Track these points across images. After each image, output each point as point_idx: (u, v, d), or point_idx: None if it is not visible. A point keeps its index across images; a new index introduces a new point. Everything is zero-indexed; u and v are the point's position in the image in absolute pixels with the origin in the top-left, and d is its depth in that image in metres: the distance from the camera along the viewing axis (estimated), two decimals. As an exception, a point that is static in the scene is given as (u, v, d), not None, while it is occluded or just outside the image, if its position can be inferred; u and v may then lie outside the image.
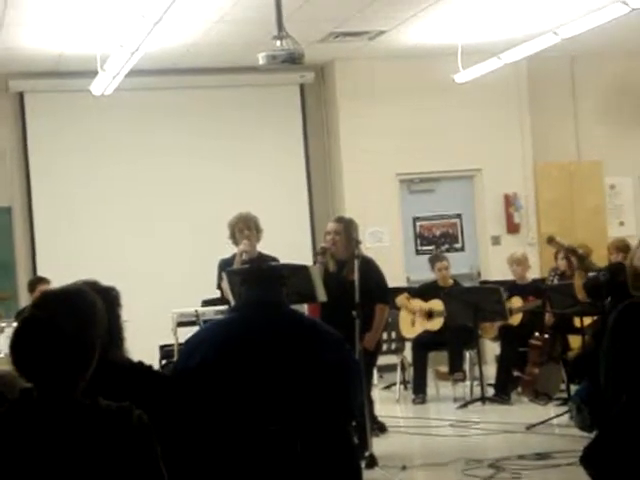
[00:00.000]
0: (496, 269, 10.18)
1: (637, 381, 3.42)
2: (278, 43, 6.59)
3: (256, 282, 3.90)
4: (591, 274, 7.11)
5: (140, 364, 3.23)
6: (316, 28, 8.80)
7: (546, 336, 8.35)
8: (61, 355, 2.11)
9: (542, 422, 7.34)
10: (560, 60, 10.81)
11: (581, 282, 7.30)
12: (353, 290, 6.22)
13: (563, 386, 8.14)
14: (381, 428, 7.35)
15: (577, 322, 7.84)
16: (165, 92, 10.26)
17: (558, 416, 7.45)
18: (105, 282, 3.27)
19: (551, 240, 7.90)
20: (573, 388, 7.63)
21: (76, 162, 10.16)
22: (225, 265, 6.81)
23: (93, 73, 8.26)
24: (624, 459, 3.18)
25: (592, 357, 4.14)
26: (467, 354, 8.89)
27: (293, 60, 6.57)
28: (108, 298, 3.02)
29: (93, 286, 2.95)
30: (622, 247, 7.72)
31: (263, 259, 6.85)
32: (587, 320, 7.67)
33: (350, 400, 3.83)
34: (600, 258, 8.06)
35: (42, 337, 2.11)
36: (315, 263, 6.77)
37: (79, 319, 2.16)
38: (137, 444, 2.11)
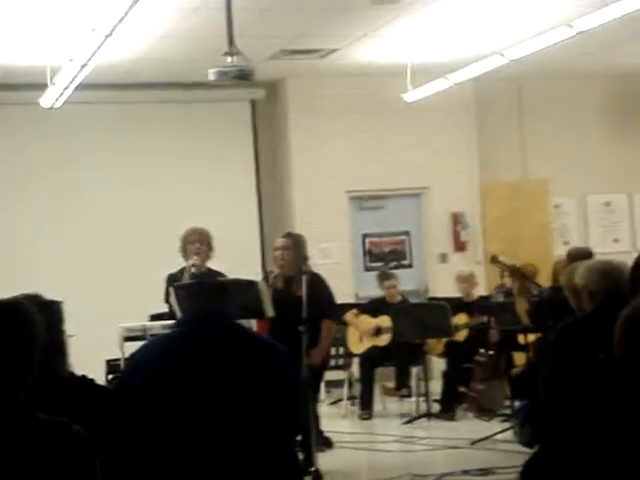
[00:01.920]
0: (443, 286, 10.27)
1: (575, 398, 3.49)
2: (229, 59, 6.62)
3: (203, 297, 3.91)
4: (534, 299, 7.21)
5: (83, 378, 3.22)
6: (267, 45, 8.84)
7: (491, 353, 8.44)
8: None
9: (486, 438, 7.42)
10: (507, 81, 10.97)
11: (523, 308, 7.42)
12: (301, 305, 6.25)
13: (507, 402, 8.23)
14: (327, 443, 7.38)
15: (521, 339, 7.94)
16: (114, 106, 10.22)
17: (502, 432, 7.54)
18: (50, 296, 3.26)
19: (494, 259, 8.02)
20: (517, 404, 7.72)
21: (22, 174, 10.07)
22: (173, 280, 6.80)
23: (43, 86, 8.22)
24: (562, 475, 3.24)
25: (535, 374, 4.21)
26: (413, 370, 8.96)
27: (244, 77, 6.60)
28: (49, 312, 3.01)
29: (34, 300, 2.93)
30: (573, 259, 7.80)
31: (211, 274, 6.86)
32: (531, 337, 7.77)
33: (295, 415, 3.85)
34: (544, 277, 8.18)
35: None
36: (265, 280, 6.79)
37: (16, 333, 2.16)
38: (76, 458, 2.11)
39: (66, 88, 7.99)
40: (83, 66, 7.14)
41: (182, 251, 7.12)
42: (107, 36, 6.30)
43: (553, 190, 11.33)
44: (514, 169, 11.39)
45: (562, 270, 7.27)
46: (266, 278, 6.86)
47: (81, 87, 8.14)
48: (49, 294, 3.25)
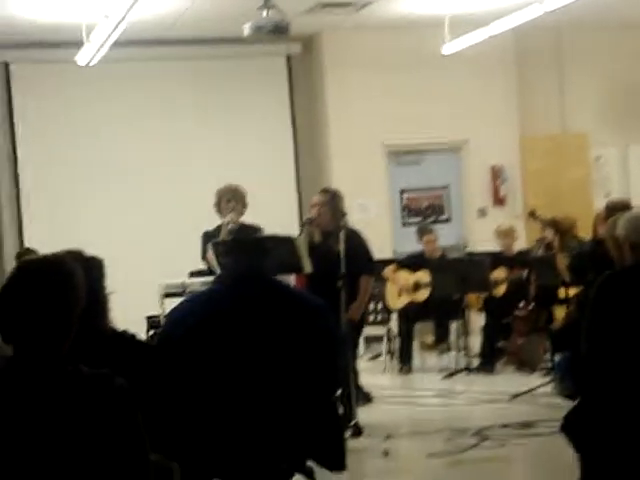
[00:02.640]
0: (483, 241, 10.21)
1: (617, 351, 3.46)
2: (264, 14, 6.59)
3: (241, 253, 3.93)
4: (574, 252, 7.15)
5: (124, 333, 3.26)
6: (303, -1, 8.77)
7: (530, 307, 8.40)
8: (41, 321, 2.13)
9: (526, 392, 7.40)
10: (546, 32, 10.80)
11: (564, 264, 7.35)
12: (339, 261, 6.24)
13: (547, 356, 8.21)
14: (367, 398, 7.40)
15: (561, 293, 7.89)
16: (150, 63, 10.21)
17: (542, 386, 7.51)
18: (90, 252, 3.28)
19: (532, 214, 7.95)
20: (557, 358, 7.69)
21: (62, 132, 10.12)
22: (209, 237, 6.82)
23: (79, 44, 8.22)
24: (602, 427, 3.23)
25: (575, 328, 4.18)
26: (453, 325, 8.95)
27: (279, 31, 6.57)
28: (91, 267, 3.04)
29: (76, 255, 2.97)
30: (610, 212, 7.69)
31: (247, 229, 6.88)
32: (571, 291, 7.72)
33: (335, 369, 3.87)
34: (586, 230, 8.09)
35: (22, 303, 2.14)
36: (301, 234, 6.79)
37: (57, 286, 2.19)
38: (118, 410, 2.13)
39: (102, 45, 7.98)
40: (119, 23, 7.13)
41: (217, 207, 7.13)
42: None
43: (594, 142, 11.18)
44: (554, 121, 11.24)
45: (602, 223, 7.20)
46: (308, 223, 6.82)
47: (117, 44, 8.13)
48: (91, 251, 3.27)
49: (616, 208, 6.36)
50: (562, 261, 7.46)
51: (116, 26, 7.24)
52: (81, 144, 10.14)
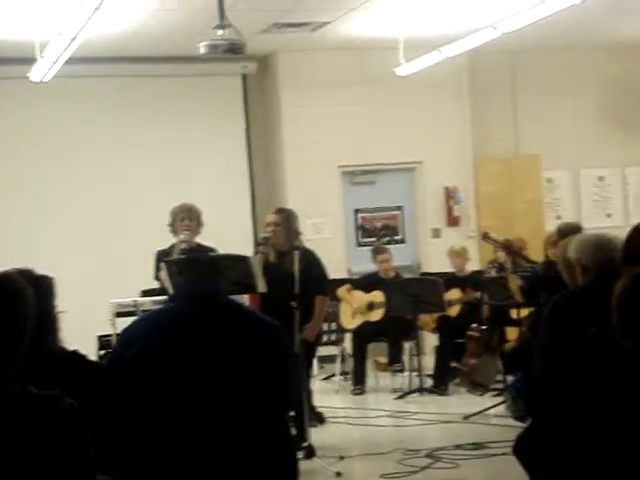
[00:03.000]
0: (436, 261, 10.26)
1: (569, 372, 3.48)
2: (220, 32, 6.57)
3: (194, 272, 3.89)
4: (525, 274, 7.21)
5: (74, 353, 3.21)
6: (259, 18, 8.77)
7: (483, 327, 8.45)
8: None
9: (478, 412, 7.44)
10: (500, 55, 10.92)
11: (516, 285, 7.41)
12: (293, 281, 6.23)
13: (500, 377, 8.25)
14: (320, 418, 7.39)
15: (514, 314, 7.95)
16: (105, 80, 10.15)
17: (494, 406, 7.56)
18: (42, 271, 3.24)
19: (485, 236, 8.01)
20: (509, 379, 7.73)
21: (13, 149, 10.01)
22: (162, 255, 6.78)
23: (32, 60, 8.15)
24: (553, 448, 3.24)
25: (528, 348, 4.21)
26: (406, 345, 8.97)
27: (235, 50, 6.55)
28: (41, 287, 2.99)
29: (25, 274, 2.92)
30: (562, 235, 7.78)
31: (202, 250, 6.84)
32: (524, 312, 7.77)
33: (287, 389, 3.84)
34: (537, 251, 8.17)
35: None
36: (256, 253, 6.77)
37: (6, 305, 2.15)
38: (67, 432, 2.10)
39: (55, 62, 7.92)
40: (72, 40, 7.07)
41: (171, 227, 7.09)
42: (96, 9, 6.23)
43: (546, 164, 11.31)
44: (507, 143, 11.36)
45: (552, 245, 7.27)
46: (262, 243, 6.80)
47: (71, 61, 8.08)
48: (42, 269, 3.23)
49: (567, 231, 6.44)
50: (514, 282, 7.52)
51: (70, 43, 7.18)
52: (32, 160, 10.03)
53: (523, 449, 3.74)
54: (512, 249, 7.71)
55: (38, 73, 8.47)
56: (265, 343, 3.75)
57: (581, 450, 2.55)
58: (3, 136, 9.99)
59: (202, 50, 6.58)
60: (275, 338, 3.81)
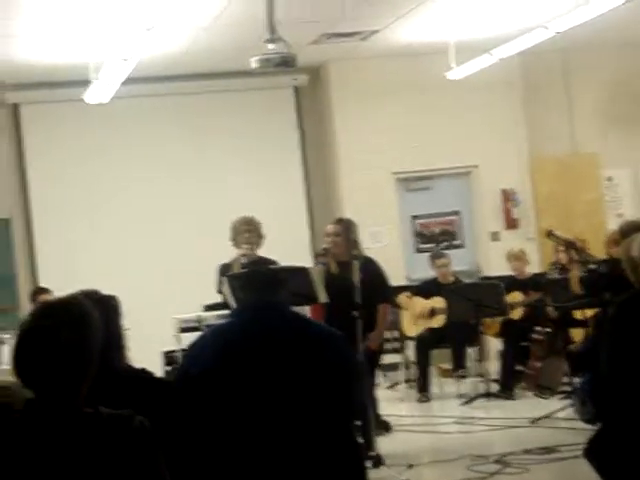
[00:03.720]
0: (496, 265, 10.19)
1: (636, 374, 3.43)
2: (270, 46, 6.61)
3: (255, 286, 3.91)
4: (590, 267, 7.13)
5: (142, 371, 3.24)
6: (308, 30, 8.81)
7: (547, 330, 8.36)
8: (60, 364, 2.13)
9: (546, 416, 7.36)
10: (553, 54, 10.82)
11: (577, 275, 7.33)
12: (355, 290, 6.23)
13: (566, 379, 8.15)
14: (386, 427, 7.37)
15: (578, 315, 7.85)
16: (160, 99, 10.27)
17: (562, 409, 7.47)
18: (106, 291, 3.28)
19: (550, 234, 7.92)
20: (576, 381, 7.64)
21: (73, 171, 10.18)
22: (225, 270, 6.84)
23: (87, 82, 8.28)
24: (627, 451, 3.20)
25: (594, 350, 4.15)
26: (470, 351, 8.91)
27: (286, 63, 6.59)
28: (107, 307, 3.04)
29: (92, 295, 2.96)
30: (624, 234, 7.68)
31: (262, 262, 6.88)
32: (588, 312, 7.68)
33: (352, 399, 3.84)
34: (598, 251, 8.06)
35: (42, 346, 2.14)
36: (316, 264, 6.78)
37: (76, 328, 2.18)
38: (139, 451, 2.12)
39: (112, 83, 8.03)
40: (126, 61, 7.17)
41: (233, 240, 7.15)
42: (149, 30, 6.31)
43: (604, 162, 11.16)
44: (563, 143, 11.24)
45: (614, 244, 7.18)
46: (321, 254, 6.81)
47: (127, 82, 8.20)
48: (105, 289, 3.27)
49: (630, 229, 6.34)
50: (575, 274, 7.42)
51: (124, 63, 7.28)
52: (93, 182, 10.20)
53: (595, 452, 3.69)
54: (576, 246, 7.62)
55: (94, 95, 8.60)
56: (328, 354, 3.75)
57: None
58: (63, 158, 10.16)
59: (254, 65, 6.62)
60: (338, 348, 3.82)
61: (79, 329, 2.18)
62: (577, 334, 8.28)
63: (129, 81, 8.32)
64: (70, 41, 8.26)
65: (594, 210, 11.04)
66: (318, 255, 6.93)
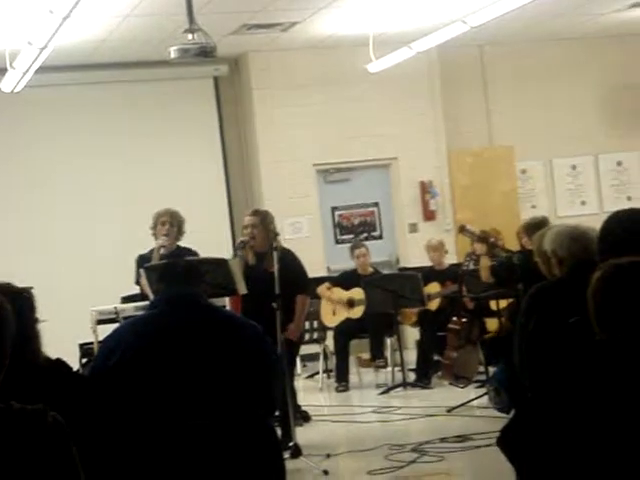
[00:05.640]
0: (414, 256, 10.32)
1: (548, 363, 3.52)
2: (190, 36, 6.57)
3: (173, 278, 3.91)
4: (500, 256, 7.27)
5: (58, 362, 3.21)
6: (228, 20, 8.78)
7: (464, 320, 8.50)
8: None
9: (462, 405, 7.48)
10: (470, 48, 10.98)
11: (487, 264, 7.46)
12: (273, 282, 6.25)
13: (481, 368, 8.30)
14: (305, 417, 7.41)
15: (493, 305, 8.00)
16: (77, 88, 10.12)
17: (477, 398, 7.60)
18: (21, 282, 3.24)
19: (462, 229, 8.06)
20: (491, 370, 7.79)
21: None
22: (143, 261, 6.79)
23: (2, 70, 8.11)
24: (538, 440, 3.27)
25: (508, 339, 4.24)
26: (388, 340, 9.01)
27: (205, 53, 6.56)
28: (20, 301, 2.99)
29: (4, 288, 2.92)
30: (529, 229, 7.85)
31: (182, 253, 6.85)
32: (503, 303, 7.83)
33: (270, 390, 3.86)
34: (513, 242, 8.22)
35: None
36: (235, 257, 6.78)
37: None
38: (52, 446, 2.10)
39: (26, 72, 7.89)
40: (42, 49, 7.05)
41: (153, 230, 7.11)
42: (65, 18, 6.21)
43: (519, 155, 11.38)
44: (480, 136, 11.42)
45: (524, 234, 7.34)
46: (241, 247, 6.80)
47: (42, 70, 8.06)
48: (18, 281, 3.23)
49: (533, 226, 6.52)
50: (485, 263, 7.55)
51: (40, 52, 7.16)
52: (7, 170, 9.99)
53: (507, 441, 3.76)
54: (488, 240, 7.76)
55: (9, 83, 8.43)
56: (245, 344, 3.77)
57: (564, 441, 2.58)
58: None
59: (173, 54, 6.58)
60: (255, 339, 3.83)
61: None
62: (492, 324, 8.43)
63: (45, 69, 8.18)
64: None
65: (509, 202, 11.25)
66: (237, 248, 6.93)
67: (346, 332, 8.95)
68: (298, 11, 8.84)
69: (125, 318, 6.25)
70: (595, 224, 3.85)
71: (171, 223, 7.02)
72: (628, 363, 2.38)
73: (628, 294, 2.42)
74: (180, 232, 7.08)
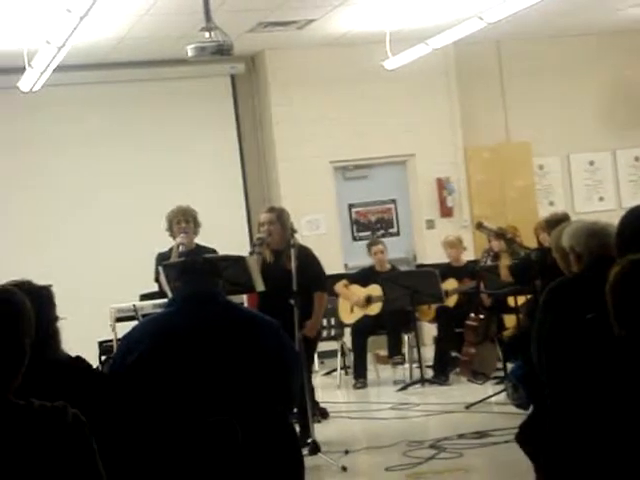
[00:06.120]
0: (431, 252, 10.31)
1: (566, 359, 3.51)
2: (207, 35, 6.60)
3: (192, 275, 3.93)
4: (519, 255, 7.26)
5: (78, 359, 3.23)
6: (245, 18, 8.80)
7: (481, 316, 8.49)
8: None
9: (480, 401, 7.47)
10: (487, 44, 10.96)
11: (507, 263, 7.45)
12: (291, 279, 6.26)
13: (499, 365, 8.29)
14: (323, 414, 7.42)
15: (511, 302, 7.98)
16: (95, 86, 10.15)
17: (495, 394, 7.59)
18: (41, 280, 3.26)
19: (480, 226, 8.05)
20: (509, 367, 7.77)
21: (7, 159, 10.02)
22: (162, 258, 6.81)
23: (21, 69, 8.16)
24: (557, 436, 3.27)
25: (526, 335, 4.24)
26: (405, 337, 9.01)
27: (222, 51, 6.58)
28: (39, 298, 3.01)
29: (25, 286, 2.95)
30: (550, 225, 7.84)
31: (200, 251, 6.88)
32: (521, 299, 7.81)
33: (289, 387, 3.88)
34: (530, 238, 8.20)
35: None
36: (252, 254, 6.79)
37: (5, 318, 2.16)
38: (73, 443, 2.11)
39: (44, 71, 7.93)
40: (60, 48, 7.09)
41: (169, 230, 7.14)
42: (82, 17, 6.25)
43: (536, 151, 11.35)
44: (497, 132, 11.39)
45: (542, 230, 7.33)
46: (259, 244, 6.82)
47: (60, 69, 8.09)
48: (39, 279, 3.25)
49: (555, 222, 6.50)
50: (505, 262, 7.55)
51: (58, 51, 7.20)
52: (27, 169, 10.04)
53: (526, 437, 3.77)
54: (506, 237, 7.75)
55: (27, 82, 8.48)
56: (263, 341, 3.78)
57: (583, 437, 2.58)
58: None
59: (190, 53, 6.60)
60: (273, 336, 3.85)
61: (9, 320, 2.17)
62: (510, 320, 8.41)
63: (63, 68, 8.22)
64: (3, 28, 8.12)
65: (526, 198, 11.22)
66: (254, 245, 6.94)
67: (364, 329, 8.95)
68: (314, 9, 8.85)
69: (144, 316, 6.28)
70: (613, 220, 3.84)
71: (186, 220, 7.05)
72: (646, 359, 2.38)
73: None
74: (197, 225, 7.10)
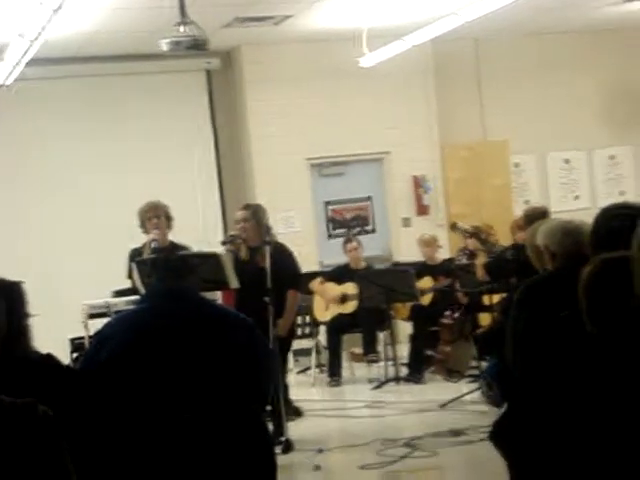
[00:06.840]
0: (407, 250, 10.30)
1: (540, 356, 3.50)
2: (181, 29, 6.55)
3: (164, 271, 3.89)
4: (496, 252, 7.27)
5: (48, 357, 3.19)
6: (220, 13, 8.74)
7: (456, 315, 8.50)
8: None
9: (455, 399, 7.48)
10: (464, 42, 10.96)
11: (482, 263, 7.46)
12: (265, 276, 6.23)
13: (474, 363, 8.30)
14: (297, 412, 7.40)
15: (486, 300, 7.99)
16: (68, 80, 10.06)
17: (470, 393, 7.59)
18: (11, 276, 3.21)
19: (454, 226, 8.08)
20: (484, 365, 7.78)
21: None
22: (135, 254, 6.76)
23: (-7, 63, 8.07)
24: (530, 434, 3.26)
25: (500, 333, 4.23)
26: (380, 335, 9.00)
27: (197, 46, 6.53)
28: (10, 294, 2.97)
29: (-7, 283, 2.90)
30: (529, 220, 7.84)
31: (174, 248, 6.83)
32: (495, 298, 7.82)
33: (262, 385, 3.85)
34: (506, 236, 8.21)
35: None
36: (226, 250, 6.76)
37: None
38: (42, 440, 2.09)
39: (17, 64, 7.84)
40: (33, 41, 7.00)
41: (142, 226, 7.07)
42: (55, 10, 6.17)
43: (513, 149, 11.37)
44: (474, 130, 11.40)
45: (518, 229, 7.34)
46: (228, 242, 6.79)
47: (32, 63, 8.01)
48: (9, 275, 3.20)
49: (534, 216, 6.49)
50: (480, 260, 7.56)
51: (31, 44, 7.11)
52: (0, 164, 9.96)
53: (500, 435, 3.76)
54: (480, 236, 7.76)
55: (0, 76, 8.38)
56: (235, 338, 3.76)
57: (555, 434, 2.57)
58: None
59: (164, 47, 6.56)
60: (246, 333, 3.82)
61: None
62: (485, 319, 8.42)
63: (36, 62, 8.13)
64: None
65: (502, 196, 11.24)
66: (225, 242, 6.90)
67: (339, 327, 8.94)
68: (291, 4, 8.81)
69: (116, 312, 6.23)
70: (588, 218, 3.83)
71: (157, 216, 6.98)
72: (618, 357, 2.38)
73: (618, 288, 2.41)
74: (169, 220, 7.04)
